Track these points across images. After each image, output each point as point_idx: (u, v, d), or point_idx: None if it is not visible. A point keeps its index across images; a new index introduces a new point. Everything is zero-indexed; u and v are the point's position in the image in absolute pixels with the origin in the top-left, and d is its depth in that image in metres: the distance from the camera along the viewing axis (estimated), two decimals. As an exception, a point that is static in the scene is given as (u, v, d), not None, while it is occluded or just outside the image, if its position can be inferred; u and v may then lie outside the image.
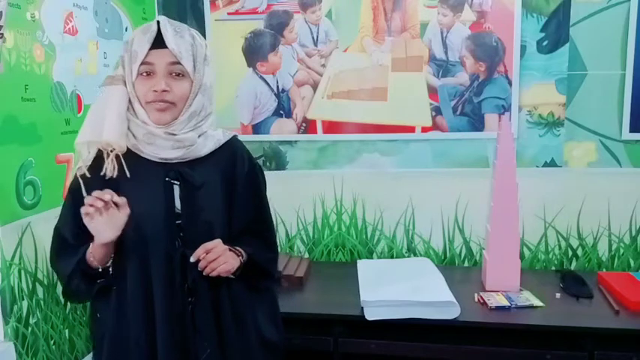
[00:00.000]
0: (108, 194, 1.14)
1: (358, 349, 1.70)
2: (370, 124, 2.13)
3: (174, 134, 1.24)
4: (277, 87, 2.17)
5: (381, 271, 1.95)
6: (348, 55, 2.12)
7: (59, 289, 1.47)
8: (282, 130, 2.19)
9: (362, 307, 1.67)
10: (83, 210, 1.14)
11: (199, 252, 1.21)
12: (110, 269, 1.24)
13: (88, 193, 1.17)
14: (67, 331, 1.50)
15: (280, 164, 2.22)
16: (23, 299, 1.34)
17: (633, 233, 2.05)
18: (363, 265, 2.05)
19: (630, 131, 2.00)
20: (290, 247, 2.25)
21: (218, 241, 1.24)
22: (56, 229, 1.29)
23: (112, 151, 1.22)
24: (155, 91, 1.21)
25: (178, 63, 1.22)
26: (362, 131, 2.14)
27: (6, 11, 1.23)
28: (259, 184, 1.40)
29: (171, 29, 1.22)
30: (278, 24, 2.14)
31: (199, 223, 1.27)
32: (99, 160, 1.23)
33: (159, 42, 1.21)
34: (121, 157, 1.23)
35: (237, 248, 1.30)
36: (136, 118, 1.25)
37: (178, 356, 1.24)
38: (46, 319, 1.42)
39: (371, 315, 1.65)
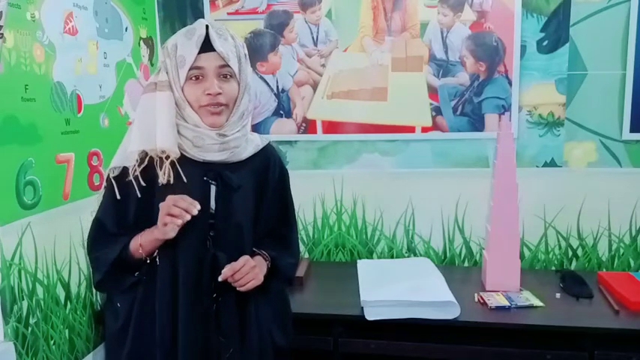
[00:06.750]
0: (194, 208, 1.18)
1: (358, 349, 1.70)
2: (370, 124, 2.13)
3: (226, 135, 1.27)
4: (277, 87, 2.17)
5: (381, 271, 1.95)
6: (348, 55, 2.12)
7: (59, 288, 1.47)
8: (282, 130, 2.19)
9: (362, 307, 1.68)
10: (167, 220, 1.18)
11: (227, 273, 1.24)
12: (157, 259, 1.28)
13: (127, 189, 1.25)
14: (67, 331, 1.49)
15: (280, 164, 2.21)
16: (23, 299, 1.34)
17: (633, 233, 2.05)
18: (363, 265, 2.05)
19: (630, 131, 2.00)
20: (290, 247, 2.25)
21: (246, 259, 1.27)
22: (96, 219, 1.32)
23: (166, 158, 1.24)
24: (209, 94, 1.24)
25: (227, 65, 1.25)
26: (362, 131, 2.14)
27: (6, 11, 1.23)
28: (287, 191, 1.45)
29: (214, 32, 1.24)
30: (278, 24, 2.14)
31: (231, 225, 1.30)
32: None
33: (205, 46, 1.23)
34: (176, 162, 1.25)
35: (264, 252, 1.35)
36: (186, 123, 1.27)
37: (199, 356, 1.27)
38: (46, 319, 1.41)
39: (371, 315, 1.65)
